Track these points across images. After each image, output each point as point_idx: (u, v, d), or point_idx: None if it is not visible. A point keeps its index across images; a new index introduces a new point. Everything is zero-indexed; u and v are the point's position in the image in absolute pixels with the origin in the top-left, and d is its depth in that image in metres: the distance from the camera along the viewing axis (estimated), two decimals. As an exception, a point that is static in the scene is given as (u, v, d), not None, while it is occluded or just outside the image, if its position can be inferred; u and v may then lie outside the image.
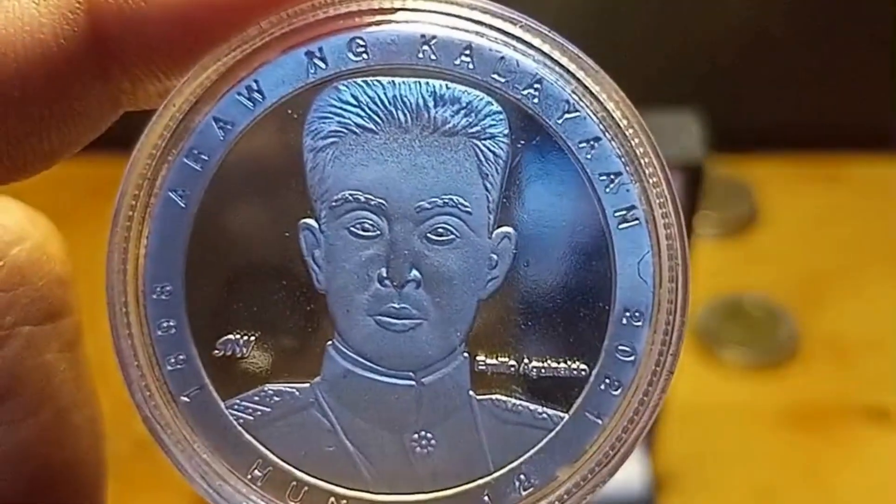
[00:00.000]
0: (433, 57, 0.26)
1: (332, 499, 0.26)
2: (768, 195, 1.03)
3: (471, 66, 0.26)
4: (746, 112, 1.05)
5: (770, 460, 0.83)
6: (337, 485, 0.26)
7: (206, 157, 0.26)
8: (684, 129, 0.66)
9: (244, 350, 0.26)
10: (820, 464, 0.82)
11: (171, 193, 0.26)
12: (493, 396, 0.26)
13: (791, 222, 1.02)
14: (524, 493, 0.26)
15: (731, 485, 0.81)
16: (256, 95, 0.26)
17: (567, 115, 0.26)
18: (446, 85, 0.26)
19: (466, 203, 0.26)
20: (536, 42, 0.26)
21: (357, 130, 0.26)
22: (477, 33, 0.26)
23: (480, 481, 0.26)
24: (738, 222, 1.00)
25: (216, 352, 0.26)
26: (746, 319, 0.91)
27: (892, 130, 1.06)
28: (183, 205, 0.26)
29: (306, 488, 0.26)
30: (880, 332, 0.92)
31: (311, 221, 0.26)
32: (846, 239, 1.00)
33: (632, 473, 0.77)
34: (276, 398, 0.26)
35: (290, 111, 0.26)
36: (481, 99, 0.26)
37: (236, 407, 0.26)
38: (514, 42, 0.26)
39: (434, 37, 0.26)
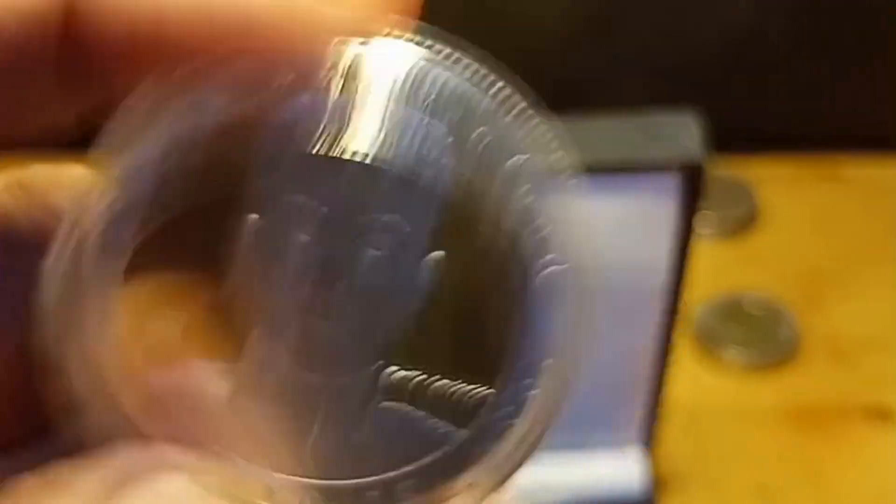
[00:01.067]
0: None
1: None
2: (768, 195, 1.03)
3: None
4: (746, 112, 1.05)
5: (770, 460, 0.83)
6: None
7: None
8: (684, 130, 0.66)
9: None
10: (820, 464, 0.82)
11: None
12: (397, 404, 0.27)
13: (791, 222, 1.02)
14: (412, 496, 0.26)
15: (731, 485, 0.81)
16: None
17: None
18: None
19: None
20: None
21: None
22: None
23: (370, 479, 0.26)
24: (738, 222, 1.00)
25: None
26: (746, 319, 0.91)
27: (892, 130, 1.06)
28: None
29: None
30: (880, 332, 0.92)
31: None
32: (846, 239, 1.00)
33: (632, 473, 0.78)
34: None
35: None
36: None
37: None
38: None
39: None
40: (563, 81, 0.88)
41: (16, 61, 0.25)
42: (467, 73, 0.26)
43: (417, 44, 0.26)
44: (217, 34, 0.26)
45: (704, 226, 0.97)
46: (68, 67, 0.26)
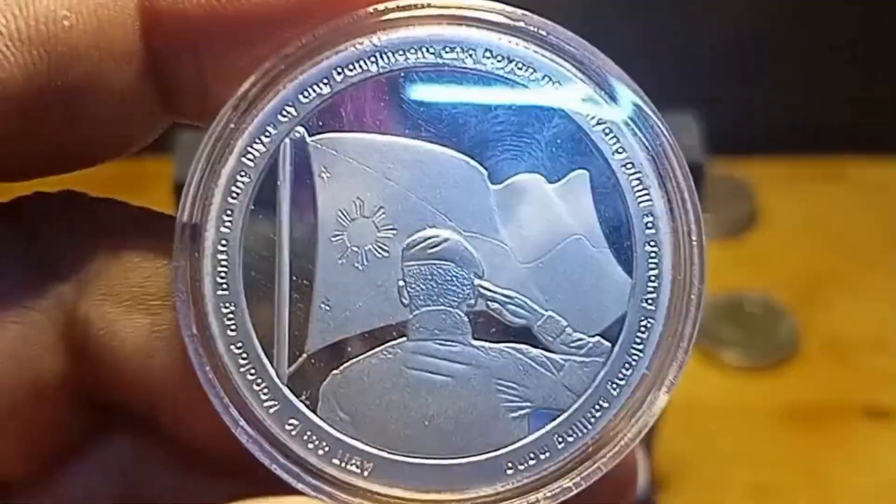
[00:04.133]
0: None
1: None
2: (768, 195, 1.03)
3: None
4: (746, 112, 1.05)
5: (770, 460, 0.83)
6: None
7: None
8: (684, 130, 0.66)
9: None
10: (820, 463, 0.82)
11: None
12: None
13: (791, 222, 1.02)
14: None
15: (731, 485, 0.81)
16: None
17: None
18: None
19: None
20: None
21: None
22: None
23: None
24: (738, 222, 1.00)
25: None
26: (746, 319, 0.91)
27: (892, 130, 1.06)
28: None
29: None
30: (880, 332, 0.92)
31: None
32: (846, 239, 1.00)
33: (632, 473, 0.77)
34: None
35: None
36: None
37: None
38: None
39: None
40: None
41: (107, 61, 0.26)
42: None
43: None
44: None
45: (704, 220, 0.97)
46: (154, 72, 0.27)
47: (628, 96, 0.27)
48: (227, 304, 0.27)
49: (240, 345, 0.27)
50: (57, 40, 0.25)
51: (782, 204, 1.02)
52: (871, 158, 1.05)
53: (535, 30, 0.27)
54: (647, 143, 0.27)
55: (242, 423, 0.27)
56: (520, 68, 0.27)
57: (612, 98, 0.27)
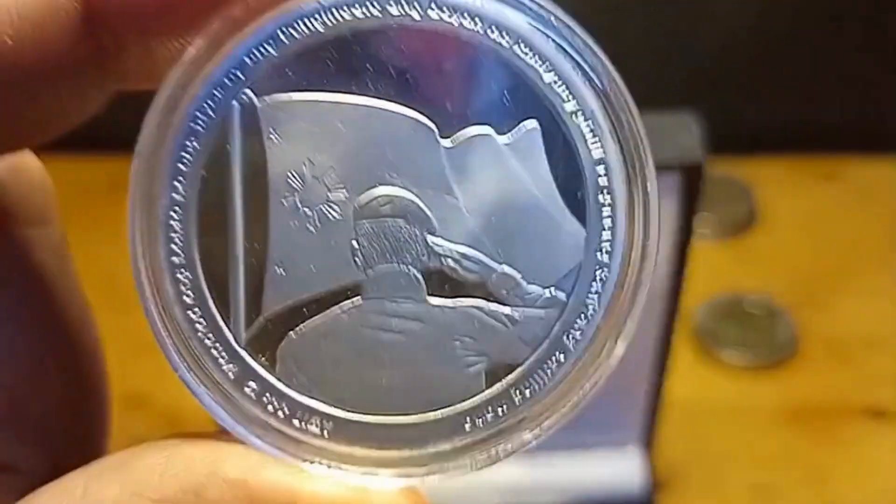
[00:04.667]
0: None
1: None
2: (768, 195, 1.03)
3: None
4: (746, 112, 1.05)
5: (770, 460, 0.83)
6: None
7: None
8: (684, 130, 0.66)
9: None
10: (820, 463, 0.82)
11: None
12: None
13: (791, 222, 1.02)
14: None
15: (731, 485, 0.81)
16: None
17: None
18: None
19: None
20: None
21: None
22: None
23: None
24: (737, 222, 1.00)
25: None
26: (746, 319, 0.91)
27: (892, 130, 1.06)
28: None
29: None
30: (880, 332, 0.92)
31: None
32: (846, 239, 1.00)
33: (632, 473, 0.78)
34: None
35: None
36: None
37: None
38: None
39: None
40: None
41: (48, 48, 0.26)
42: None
43: None
44: None
45: (704, 226, 0.97)
46: (96, 46, 0.27)
47: (579, 43, 0.27)
48: (182, 271, 0.27)
49: (196, 311, 0.27)
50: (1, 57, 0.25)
51: (782, 204, 1.02)
52: (871, 158, 1.05)
53: None
54: (598, 92, 0.27)
55: (202, 388, 0.26)
56: (466, 18, 0.27)
57: (562, 46, 0.27)
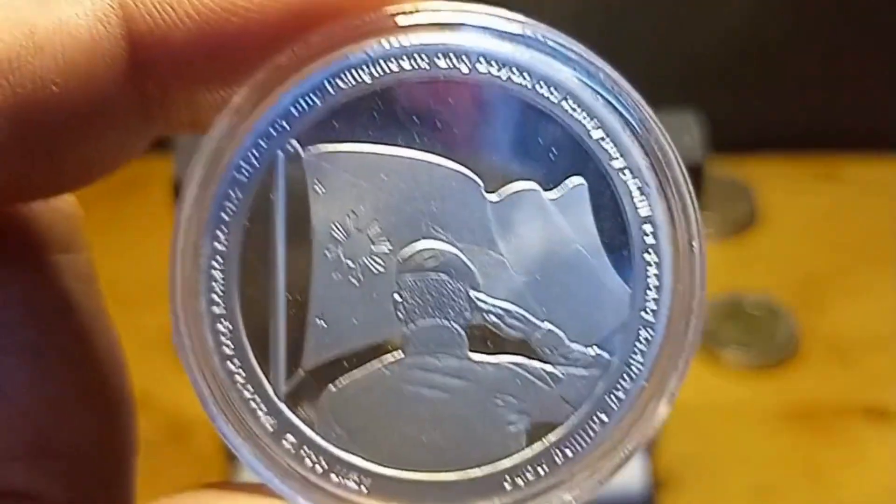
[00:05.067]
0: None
1: None
2: (768, 195, 1.03)
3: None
4: (746, 112, 1.05)
5: (770, 460, 0.83)
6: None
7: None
8: (684, 129, 0.66)
9: None
10: (820, 464, 0.82)
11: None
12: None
13: (791, 222, 1.02)
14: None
15: (731, 485, 0.81)
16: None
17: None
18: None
19: None
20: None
21: None
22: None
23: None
24: (737, 222, 1.00)
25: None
26: (746, 319, 0.91)
27: (892, 130, 1.06)
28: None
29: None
30: (880, 332, 0.92)
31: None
32: (846, 239, 1.00)
33: (632, 473, 0.78)
34: None
35: None
36: None
37: None
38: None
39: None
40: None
41: (94, 96, 0.26)
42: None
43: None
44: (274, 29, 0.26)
45: (704, 226, 0.97)
46: (141, 94, 0.26)
47: (627, 100, 0.27)
48: (223, 321, 0.26)
49: (236, 361, 0.26)
50: (47, 104, 0.25)
51: (782, 204, 1.02)
52: (871, 158, 1.05)
53: (532, 34, 0.27)
54: (645, 148, 0.27)
55: (240, 440, 0.26)
56: (515, 74, 0.26)
57: (610, 102, 0.27)
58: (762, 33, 1.04)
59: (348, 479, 0.26)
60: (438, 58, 0.26)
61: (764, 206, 1.02)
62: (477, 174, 0.27)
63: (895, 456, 0.83)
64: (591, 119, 0.27)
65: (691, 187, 0.27)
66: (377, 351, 0.27)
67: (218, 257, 0.26)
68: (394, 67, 0.26)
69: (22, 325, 0.28)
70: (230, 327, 0.26)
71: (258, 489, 0.26)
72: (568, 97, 0.27)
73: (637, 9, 1.03)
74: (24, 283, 0.29)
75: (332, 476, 0.26)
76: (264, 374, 0.27)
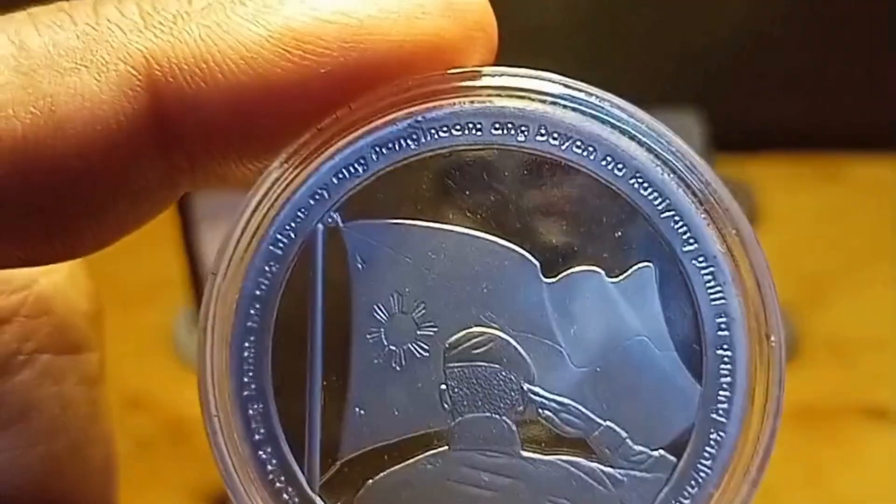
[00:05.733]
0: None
1: None
2: (768, 195, 1.03)
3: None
4: (746, 112, 1.05)
5: (770, 460, 0.83)
6: None
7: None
8: (684, 129, 0.66)
9: None
10: (820, 464, 0.82)
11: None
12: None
13: (791, 222, 1.01)
14: None
15: (731, 485, 0.81)
16: None
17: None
18: None
19: None
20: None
21: None
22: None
23: None
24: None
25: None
26: (747, 319, 0.91)
27: (892, 130, 1.06)
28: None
29: None
30: (880, 332, 0.91)
31: None
32: (846, 239, 0.99)
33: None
34: None
35: None
36: None
37: None
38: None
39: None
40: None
41: (115, 173, 0.24)
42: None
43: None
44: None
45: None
46: (169, 164, 0.25)
47: (701, 178, 0.24)
48: (255, 405, 0.24)
49: (268, 449, 0.24)
50: (65, 183, 0.23)
51: (782, 204, 1.02)
52: (871, 158, 1.05)
53: (597, 103, 0.24)
54: (721, 233, 0.24)
55: None
56: (578, 147, 0.24)
57: (683, 181, 0.24)
58: (763, 34, 1.04)
59: None
60: (495, 127, 0.24)
61: (764, 206, 1.02)
62: (533, 255, 0.24)
63: (894, 455, 0.83)
64: (662, 199, 0.24)
65: (771, 276, 0.24)
66: (420, 443, 0.24)
67: (251, 336, 0.24)
68: (444, 134, 0.24)
69: (14, 431, 0.27)
70: (262, 411, 0.24)
71: None
72: (637, 175, 0.24)
73: (637, 9, 1.03)
74: (25, 382, 0.28)
75: None
76: (298, 464, 0.24)
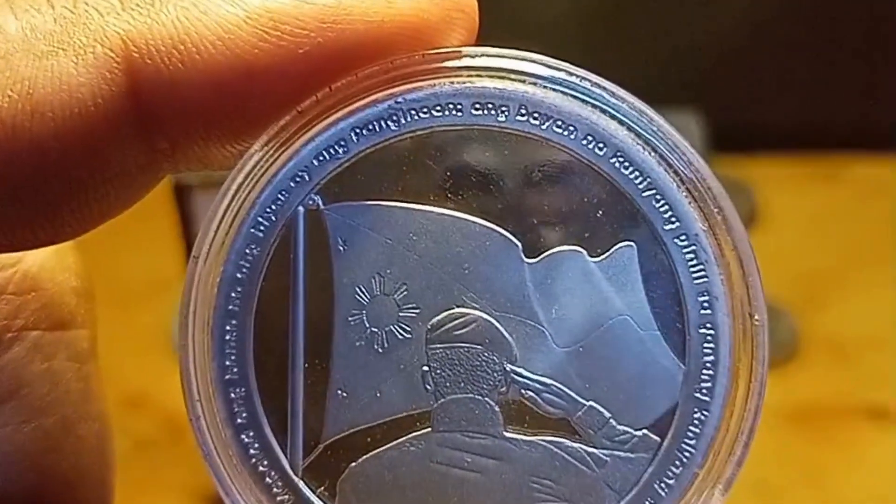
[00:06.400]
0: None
1: None
2: (768, 195, 1.03)
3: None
4: (746, 112, 1.05)
5: (770, 460, 0.83)
6: None
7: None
8: (684, 129, 0.66)
9: None
10: (820, 464, 0.82)
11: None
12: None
13: (791, 222, 1.01)
14: None
15: (731, 484, 0.81)
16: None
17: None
18: None
19: None
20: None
21: None
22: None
23: None
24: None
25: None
26: (747, 319, 0.91)
27: (892, 130, 1.06)
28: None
29: None
30: (880, 332, 0.91)
31: None
32: (846, 239, 0.99)
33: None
34: None
35: None
36: None
37: None
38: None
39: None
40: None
41: (94, 156, 0.24)
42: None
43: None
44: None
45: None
46: (149, 148, 0.25)
47: (682, 157, 0.24)
48: (237, 389, 0.24)
49: (250, 433, 0.24)
50: (44, 167, 0.23)
51: (782, 204, 1.02)
52: (871, 158, 1.05)
53: (578, 83, 0.24)
54: (703, 212, 0.24)
55: None
56: (559, 127, 0.24)
57: (665, 160, 0.24)
58: (762, 33, 1.04)
59: None
60: (475, 108, 0.24)
61: (764, 206, 1.02)
62: (514, 235, 0.24)
63: (895, 455, 0.83)
64: (643, 178, 0.24)
65: (753, 255, 0.24)
66: (403, 426, 0.24)
67: (232, 320, 0.24)
68: (425, 116, 0.24)
69: (6, 408, 0.27)
70: (244, 396, 0.24)
71: None
72: (618, 153, 0.24)
73: (637, 9, 1.03)
74: (15, 359, 0.28)
75: None
76: (281, 447, 0.24)
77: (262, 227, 0.24)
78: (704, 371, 0.24)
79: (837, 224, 1.01)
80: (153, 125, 0.24)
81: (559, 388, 0.24)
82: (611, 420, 0.24)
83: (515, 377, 0.24)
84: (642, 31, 1.03)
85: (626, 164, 0.24)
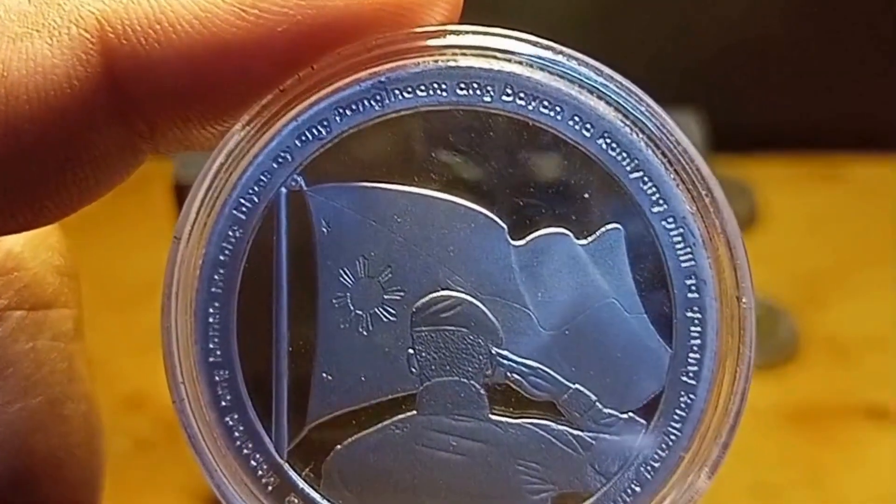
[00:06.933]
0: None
1: None
2: (768, 195, 1.03)
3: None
4: (746, 112, 1.05)
5: (770, 460, 0.82)
6: None
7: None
8: (684, 129, 0.66)
9: None
10: (820, 464, 0.82)
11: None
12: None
13: (791, 222, 1.01)
14: None
15: (730, 484, 0.81)
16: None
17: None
18: None
19: None
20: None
21: None
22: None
23: None
24: (737, 222, 1.00)
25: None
26: (746, 319, 0.91)
27: (892, 130, 1.06)
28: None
29: None
30: (880, 332, 0.91)
31: None
32: (846, 239, 0.99)
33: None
34: None
35: None
36: None
37: None
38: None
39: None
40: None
41: (71, 138, 0.24)
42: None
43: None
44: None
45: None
46: (128, 129, 0.24)
47: (671, 140, 0.24)
48: (221, 372, 0.24)
49: (235, 416, 0.24)
50: (20, 150, 0.23)
51: (782, 204, 1.02)
52: (871, 158, 1.05)
53: (565, 62, 0.24)
54: (691, 194, 0.24)
55: (239, 500, 0.24)
56: (545, 107, 0.24)
57: (652, 141, 0.24)
58: (763, 33, 1.04)
59: None
60: (460, 87, 0.24)
61: (764, 206, 1.02)
62: (500, 217, 0.24)
63: (895, 456, 0.83)
64: (630, 159, 0.24)
65: (740, 237, 0.24)
66: (388, 409, 0.24)
67: (215, 302, 0.24)
68: (409, 96, 0.24)
69: None
70: (228, 378, 0.24)
71: None
72: (605, 134, 0.24)
73: (637, 9, 1.03)
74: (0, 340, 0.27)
75: None
76: (265, 430, 0.24)
77: (244, 209, 0.24)
78: (691, 354, 0.24)
79: (837, 224, 1.01)
80: (130, 106, 0.24)
81: (545, 371, 0.24)
82: (596, 403, 0.24)
83: (501, 360, 0.24)
84: (642, 31, 1.03)
85: (614, 145, 0.24)
